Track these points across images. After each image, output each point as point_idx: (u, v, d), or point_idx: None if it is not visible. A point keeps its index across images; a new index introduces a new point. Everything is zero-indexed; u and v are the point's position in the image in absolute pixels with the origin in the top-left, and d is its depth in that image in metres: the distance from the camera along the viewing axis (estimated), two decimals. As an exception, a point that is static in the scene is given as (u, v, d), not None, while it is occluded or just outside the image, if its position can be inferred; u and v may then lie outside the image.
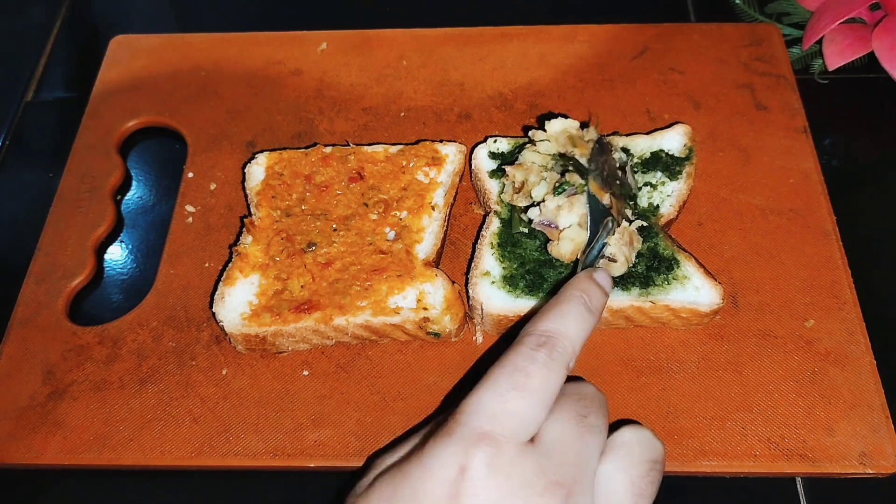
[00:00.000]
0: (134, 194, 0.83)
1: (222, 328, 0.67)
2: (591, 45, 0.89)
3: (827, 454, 0.62)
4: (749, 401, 0.65)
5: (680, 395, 0.65)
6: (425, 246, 0.70)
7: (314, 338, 0.67)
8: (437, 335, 0.67)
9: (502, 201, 0.72)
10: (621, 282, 0.66)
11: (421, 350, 0.69)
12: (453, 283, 0.68)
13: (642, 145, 0.76)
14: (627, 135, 0.77)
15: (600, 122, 0.82)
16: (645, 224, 0.69)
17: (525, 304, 0.66)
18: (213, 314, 0.68)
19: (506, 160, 0.75)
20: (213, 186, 0.80)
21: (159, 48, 0.91)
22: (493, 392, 0.47)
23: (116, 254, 0.79)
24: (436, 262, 0.71)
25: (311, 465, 0.64)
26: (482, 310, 0.67)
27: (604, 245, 0.63)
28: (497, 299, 0.67)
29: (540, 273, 0.67)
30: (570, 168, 0.68)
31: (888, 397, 0.65)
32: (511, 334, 0.69)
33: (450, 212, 0.74)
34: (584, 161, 0.68)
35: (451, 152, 0.76)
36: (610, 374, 0.67)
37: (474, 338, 0.69)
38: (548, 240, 0.67)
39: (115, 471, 0.65)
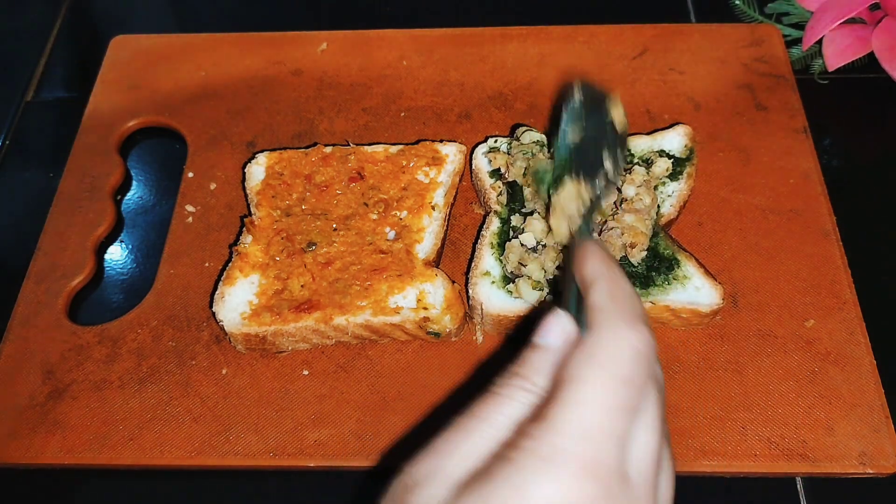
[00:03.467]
0: (134, 194, 0.83)
1: (222, 328, 0.67)
2: (591, 45, 0.89)
3: (827, 454, 0.62)
4: (749, 401, 0.65)
5: (680, 395, 0.65)
6: (425, 246, 0.70)
7: (314, 337, 0.67)
8: (437, 335, 0.67)
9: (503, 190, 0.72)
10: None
11: (421, 350, 0.69)
12: (453, 282, 0.68)
13: (642, 145, 0.76)
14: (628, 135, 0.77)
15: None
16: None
17: (525, 304, 0.66)
18: (213, 314, 0.68)
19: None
20: (213, 186, 0.80)
21: (159, 48, 0.91)
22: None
23: (116, 254, 0.79)
24: (436, 261, 0.71)
25: (311, 465, 0.64)
26: (482, 310, 0.67)
27: (596, 206, 0.58)
28: (497, 299, 0.67)
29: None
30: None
31: (888, 397, 0.65)
32: (511, 334, 0.69)
33: (450, 212, 0.74)
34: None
35: (451, 152, 0.76)
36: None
37: (474, 338, 0.69)
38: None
39: (115, 470, 0.65)
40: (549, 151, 0.72)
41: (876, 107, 0.87)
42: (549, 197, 0.61)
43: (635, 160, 0.74)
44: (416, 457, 0.42)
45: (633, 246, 0.66)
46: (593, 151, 0.60)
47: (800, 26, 0.90)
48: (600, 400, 0.39)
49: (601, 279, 0.44)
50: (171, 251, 0.76)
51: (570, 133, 0.61)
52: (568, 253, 0.53)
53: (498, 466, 0.38)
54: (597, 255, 0.46)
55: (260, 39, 0.92)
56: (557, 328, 0.44)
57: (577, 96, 0.62)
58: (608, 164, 0.59)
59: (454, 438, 0.42)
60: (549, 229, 0.64)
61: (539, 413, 0.40)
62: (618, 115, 0.61)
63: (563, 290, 0.48)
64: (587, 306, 0.44)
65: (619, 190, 0.70)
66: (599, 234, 0.67)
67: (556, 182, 0.60)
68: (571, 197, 0.58)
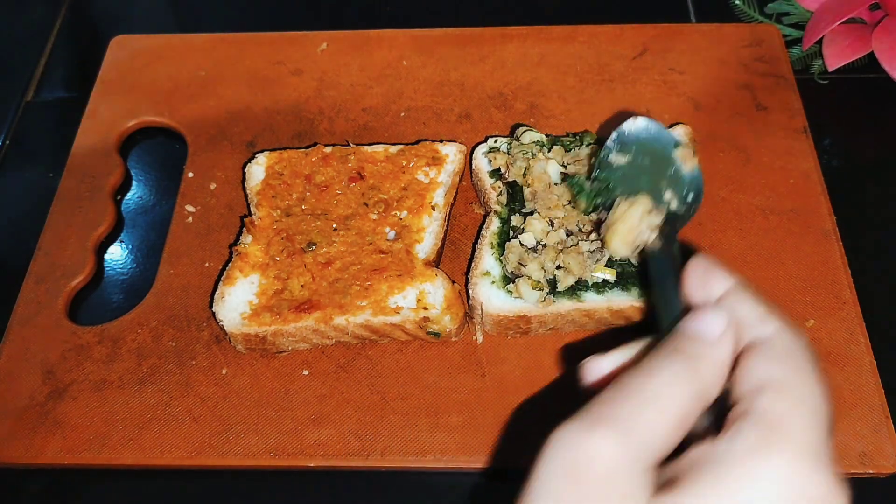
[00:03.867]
0: (134, 194, 0.83)
1: (222, 328, 0.67)
2: (591, 45, 0.89)
3: (827, 454, 0.62)
4: (749, 401, 0.65)
5: (680, 395, 0.65)
6: (425, 246, 0.70)
7: (314, 337, 0.67)
8: (437, 335, 0.67)
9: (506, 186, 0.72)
10: (621, 282, 0.66)
11: (421, 350, 0.69)
12: (453, 282, 0.68)
13: (642, 145, 0.76)
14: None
15: (600, 122, 0.82)
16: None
17: (525, 304, 0.66)
18: (213, 314, 0.68)
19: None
20: (213, 186, 0.80)
21: (159, 48, 0.91)
22: None
23: (116, 254, 0.79)
24: (436, 261, 0.71)
25: (311, 465, 0.64)
26: (482, 309, 0.67)
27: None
28: (497, 299, 0.67)
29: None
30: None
31: (888, 397, 0.65)
32: (511, 334, 0.69)
33: (450, 212, 0.74)
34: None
35: (451, 152, 0.76)
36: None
37: (474, 337, 0.69)
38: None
39: (115, 470, 0.65)
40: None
41: (876, 107, 0.87)
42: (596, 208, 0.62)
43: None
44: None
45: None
46: (647, 178, 0.62)
47: (800, 26, 0.90)
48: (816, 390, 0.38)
49: (741, 287, 0.44)
50: (171, 251, 0.76)
51: (615, 154, 0.63)
52: (658, 265, 0.52)
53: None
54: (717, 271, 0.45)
55: (260, 39, 0.92)
56: (717, 322, 0.41)
57: (636, 126, 0.63)
58: (668, 195, 0.61)
59: (647, 387, 0.38)
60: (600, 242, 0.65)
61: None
62: (687, 158, 0.62)
63: (659, 303, 0.47)
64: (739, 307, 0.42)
65: None
66: (598, 231, 0.68)
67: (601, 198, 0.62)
68: (640, 213, 0.59)
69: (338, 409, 0.66)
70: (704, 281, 0.44)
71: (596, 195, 0.65)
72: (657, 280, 0.50)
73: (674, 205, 0.60)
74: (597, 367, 0.43)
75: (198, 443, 0.65)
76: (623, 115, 0.82)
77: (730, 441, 0.36)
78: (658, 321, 0.46)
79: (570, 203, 0.69)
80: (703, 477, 0.35)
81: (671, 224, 0.59)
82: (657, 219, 0.59)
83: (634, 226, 0.59)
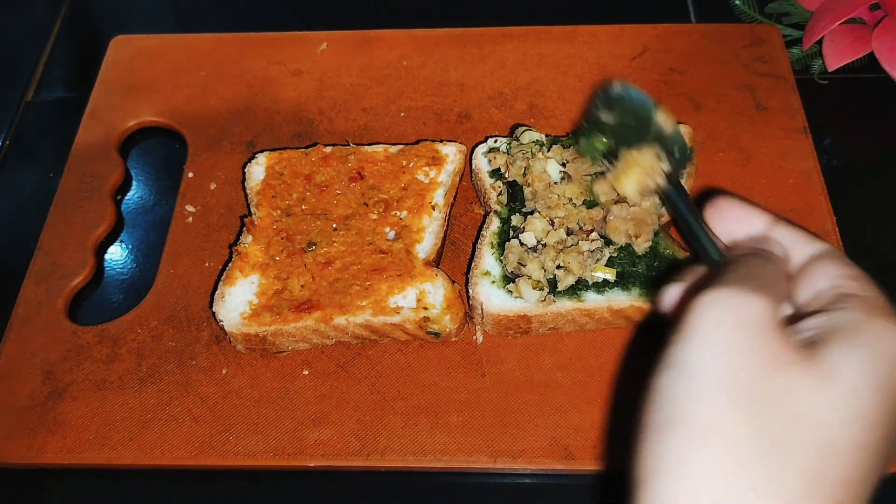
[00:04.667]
0: (134, 194, 0.83)
1: (222, 328, 0.67)
2: (591, 45, 0.89)
3: (827, 454, 0.62)
4: (749, 401, 0.65)
5: (680, 395, 0.65)
6: (425, 246, 0.70)
7: (314, 337, 0.67)
8: (437, 335, 0.67)
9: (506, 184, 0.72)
10: (622, 281, 0.66)
11: (421, 350, 0.69)
12: (453, 282, 0.68)
13: (642, 145, 0.76)
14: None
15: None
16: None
17: (525, 304, 0.66)
18: (213, 314, 0.68)
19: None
20: (213, 186, 0.80)
21: (159, 48, 0.91)
22: None
23: (116, 254, 0.79)
24: (436, 261, 0.71)
25: (311, 465, 0.64)
26: (482, 309, 0.67)
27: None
28: (497, 299, 0.67)
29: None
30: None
31: (888, 397, 0.65)
32: (512, 334, 0.69)
33: (450, 212, 0.74)
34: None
35: (451, 152, 0.76)
36: (610, 374, 0.66)
37: (474, 337, 0.69)
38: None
39: (115, 470, 0.65)
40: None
41: (876, 107, 0.87)
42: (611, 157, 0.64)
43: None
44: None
45: (637, 236, 0.66)
46: (637, 135, 0.65)
47: (800, 26, 0.90)
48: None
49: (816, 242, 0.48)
50: (171, 251, 0.76)
51: (604, 112, 0.66)
52: (680, 201, 0.57)
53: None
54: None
55: (260, 39, 0.92)
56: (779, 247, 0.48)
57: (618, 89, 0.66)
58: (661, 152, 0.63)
59: (762, 263, 0.45)
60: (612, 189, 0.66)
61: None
62: (667, 120, 0.65)
63: (694, 237, 0.52)
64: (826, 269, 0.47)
65: None
66: (604, 224, 0.68)
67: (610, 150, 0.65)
68: (651, 158, 0.62)
69: (338, 409, 0.66)
70: (741, 217, 0.49)
71: (596, 143, 0.67)
72: (685, 213, 0.55)
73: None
74: (672, 293, 0.48)
75: (198, 443, 0.65)
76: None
77: (850, 311, 0.42)
78: (697, 253, 0.51)
79: (570, 201, 0.70)
80: (842, 338, 0.40)
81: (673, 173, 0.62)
82: (666, 165, 0.61)
83: (648, 170, 0.62)
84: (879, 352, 0.40)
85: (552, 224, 0.69)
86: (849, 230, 0.74)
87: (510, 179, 0.72)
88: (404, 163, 0.76)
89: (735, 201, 0.50)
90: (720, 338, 0.39)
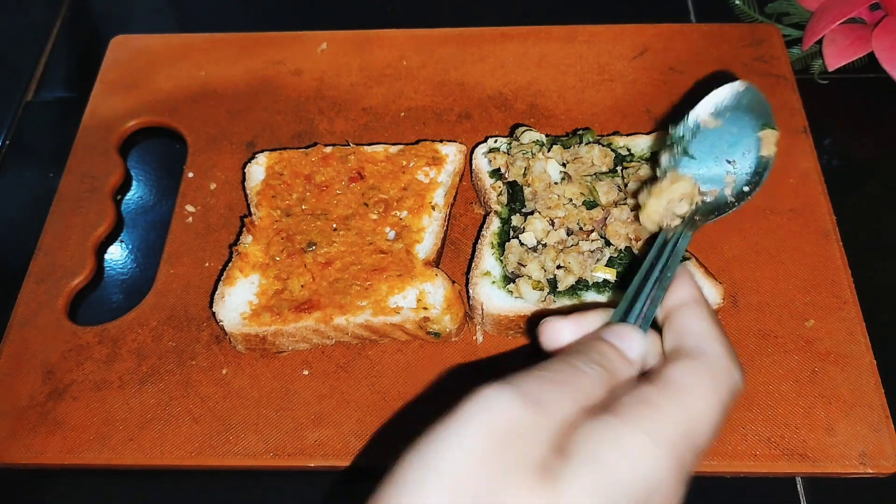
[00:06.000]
0: (134, 194, 0.83)
1: (222, 328, 0.67)
2: (591, 45, 0.89)
3: (827, 454, 0.62)
4: (749, 400, 0.65)
5: (680, 395, 0.65)
6: (425, 246, 0.70)
7: (314, 337, 0.67)
8: (437, 335, 0.67)
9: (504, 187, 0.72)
10: (622, 281, 0.66)
11: (421, 350, 0.69)
12: (453, 282, 0.68)
13: (642, 145, 0.76)
14: (628, 135, 0.77)
15: (600, 122, 0.82)
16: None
17: (525, 304, 0.66)
18: (213, 314, 0.68)
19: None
20: (213, 186, 0.80)
21: (159, 48, 0.91)
22: None
23: (116, 254, 0.79)
24: (436, 261, 0.71)
25: (311, 465, 0.64)
26: (482, 309, 0.67)
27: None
28: (497, 299, 0.67)
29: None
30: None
31: (888, 397, 0.65)
32: (511, 334, 0.69)
33: (450, 212, 0.74)
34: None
35: (451, 152, 0.76)
36: (610, 374, 0.66)
37: (474, 337, 0.69)
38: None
39: (115, 470, 0.65)
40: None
41: (876, 107, 0.87)
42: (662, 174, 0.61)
43: (635, 159, 0.74)
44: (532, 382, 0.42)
45: (637, 239, 0.67)
46: (720, 151, 0.61)
47: (800, 26, 0.90)
48: (709, 413, 0.45)
49: (703, 304, 0.49)
50: (171, 251, 0.76)
51: (703, 115, 0.62)
52: (657, 251, 0.54)
53: (616, 408, 0.42)
54: (692, 282, 0.51)
55: (260, 39, 0.92)
56: (641, 348, 0.47)
57: (736, 92, 0.62)
58: (727, 178, 0.60)
59: (566, 378, 0.44)
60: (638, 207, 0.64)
61: (642, 397, 0.43)
62: (769, 143, 0.61)
63: (635, 283, 0.50)
64: (690, 322, 0.48)
65: (626, 185, 0.70)
66: (604, 225, 0.68)
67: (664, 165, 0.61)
68: (684, 191, 0.59)
69: (338, 409, 0.66)
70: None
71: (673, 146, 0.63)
72: (649, 263, 0.52)
73: (728, 190, 0.60)
74: (557, 329, 0.49)
75: (198, 443, 0.65)
76: (621, 115, 0.83)
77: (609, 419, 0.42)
78: (626, 294, 0.50)
79: (570, 201, 0.70)
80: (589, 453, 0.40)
81: (708, 212, 0.59)
82: (686, 207, 0.59)
83: (664, 206, 0.59)
84: (615, 473, 0.40)
85: (552, 224, 0.69)
86: (849, 230, 0.74)
87: (510, 179, 0.72)
88: (404, 163, 0.76)
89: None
90: (470, 438, 0.38)
